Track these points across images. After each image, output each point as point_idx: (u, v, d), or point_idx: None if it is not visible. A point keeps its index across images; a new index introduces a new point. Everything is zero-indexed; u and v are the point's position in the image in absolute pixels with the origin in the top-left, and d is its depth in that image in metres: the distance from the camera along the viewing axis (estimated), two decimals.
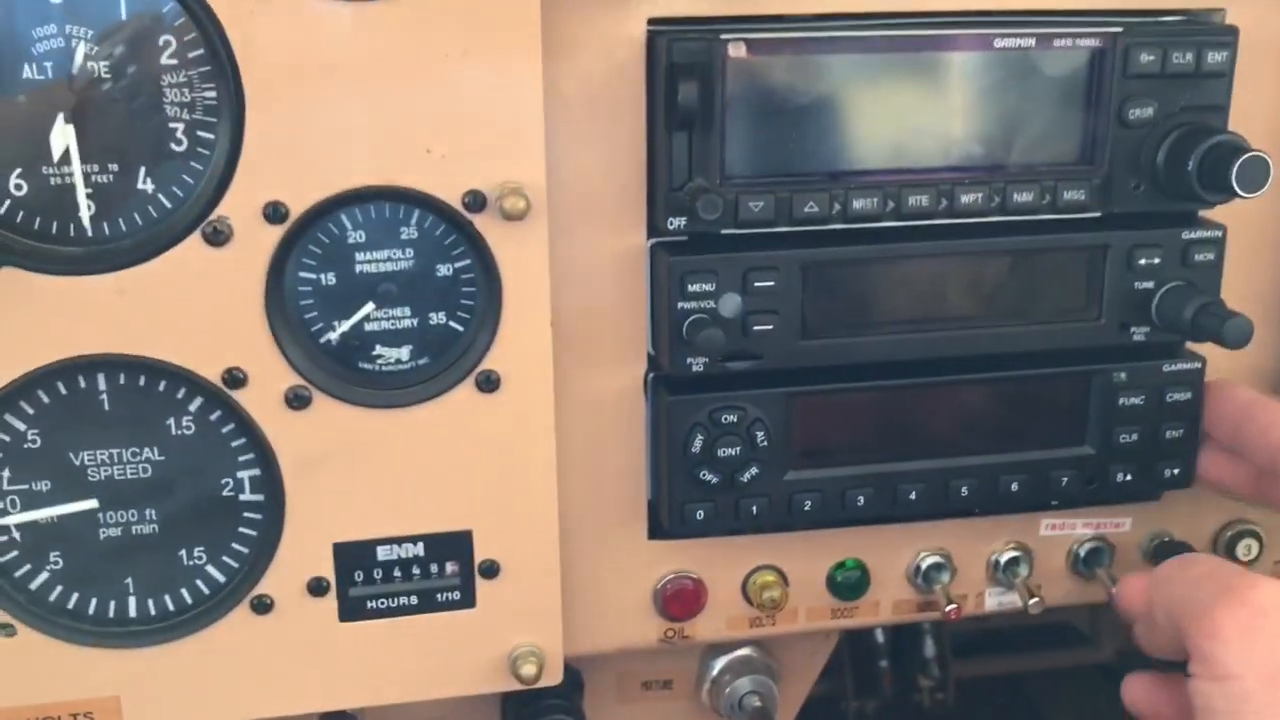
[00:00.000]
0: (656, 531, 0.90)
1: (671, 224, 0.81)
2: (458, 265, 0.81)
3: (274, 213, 0.76)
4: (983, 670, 1.65)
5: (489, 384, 0.81)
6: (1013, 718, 1.76)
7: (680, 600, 0.92)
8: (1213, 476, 0.91)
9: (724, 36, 0.78)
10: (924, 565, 0.95)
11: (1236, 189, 0.80)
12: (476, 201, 0.77)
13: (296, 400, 0.80)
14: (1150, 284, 0.87)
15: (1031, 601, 0.95)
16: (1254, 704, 0.66)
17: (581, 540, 0.90)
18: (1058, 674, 1.63)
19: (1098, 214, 0.86)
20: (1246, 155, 0.79)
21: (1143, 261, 0.86)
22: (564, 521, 0.88)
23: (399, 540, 0.84)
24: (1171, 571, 0.76)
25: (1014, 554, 0.96)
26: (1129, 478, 0.91)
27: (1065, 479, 0.90)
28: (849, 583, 0.95)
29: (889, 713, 1.62)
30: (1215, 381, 0.90)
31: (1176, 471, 0.92)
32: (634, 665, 1.03)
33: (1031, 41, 0.82)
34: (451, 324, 0.82)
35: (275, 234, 0.77)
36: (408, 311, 0.82)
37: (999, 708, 1.73)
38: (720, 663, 1.02)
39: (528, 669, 0.86)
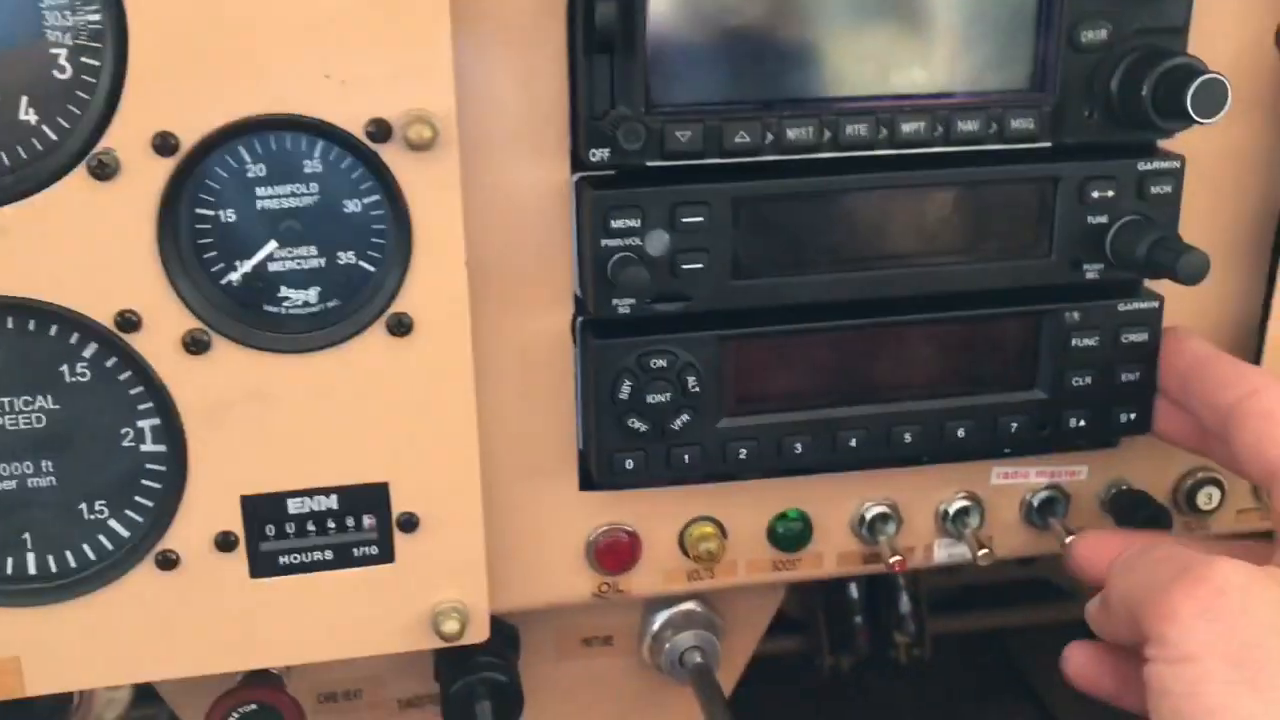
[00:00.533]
0: (588, 483, 0.86)
1: (594, 155, 0.76)
2: (366, 201, 0.76)
3: (163, 144, 0.71)
4: (959, 626, 1.63)
5: (400, 327, 0.77)
6: (990, 673, 1.74)
7: (613, 553, 0.88)
8: (1160, 428, 0.87)
9: None
10: (869, 516, 0.91)
11: (1192, 114, 0.75)
12: (381, 131, 0.72)
13: (195, 345, 0.75)
14: (1104, 218, 0.82)
15: (980, 553, 0.91)
16: (1212, 684, 0.62)
17: (509, 492, 0.86)
18: (1035, 629, 1.61)
19: (1048, 144, 0.81)
20: (1202, 78, 0.75)
21: (1095, 195, 0.81)
22: (490, 472, 0.84)
23: (311, 493, 0.80)
24: (1130, 558, 0.72)
25: (964, 504, 0.93)
26: (1083, 423, 0.87)
27: (1015, 425, 0.86)
28: (790, 534, 0.91)
29: (865, 669, 1.60)
30: (1171, 329, 0.86)
31: (1133, 416, 0.87)
32: (573, 621, 1.00)
33: None
34: (362, 264, 0.77)
35: (166, 167, 0.72)
36: (314, 251, 0.77)
37: (976, 663, 1.71)
38: (661, 617, 0.98)
39: (450, 626, 0.82)
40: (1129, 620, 0.69)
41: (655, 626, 0.98)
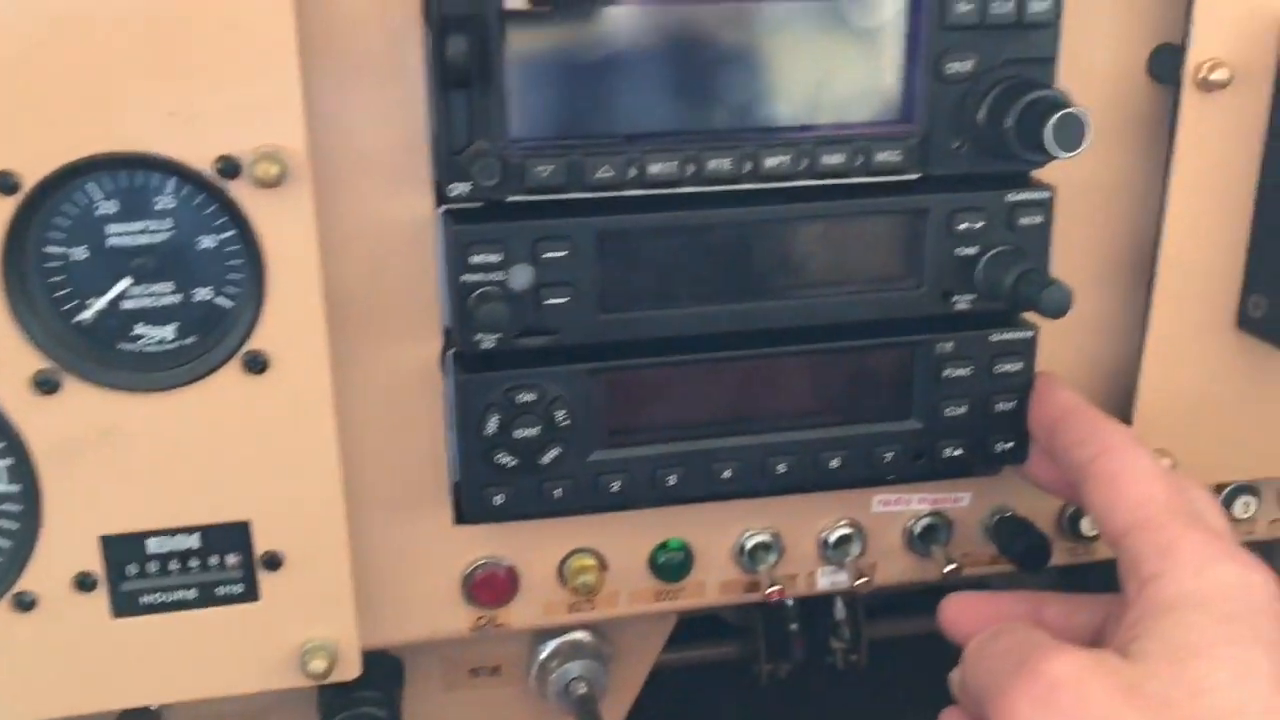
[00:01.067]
0: (463, 516, 0.85)
1: (453, 190, 0.75)
2: (222, 237, 0.75)
3: (3, 183, 0.69)
4: (896, 631, 1.63)
5: (256, 365, 0.75)
6: (927, 678, 1.74)
7: (490, 587, 0.88)
8: (1031, 472, 0.87)
9: None
10: (749, 545, 0.91)
11: (1052, 148, 0.75)
12: (229, 168, 0.71)
13: (45, 385, 0.73)
14: (974, 249, 0.82)
15: (859, 581, 0.91)
16: None
17: (381, 526, 0.85)
18: None
19: (916, 176, 0.81)
20: (1061, 112, 0.74)
21: (964, 226, 0.81)
22: (362, 508, 0.83)
23: (171, 532, 0.79)
24: (979, 646, 0.72)
25: (845, 531, 0.92)
26: (959, 453, 0.87)
27: (891, 455, 0.86)
28: (672, 564, 0.90)
29: (802, 675, 1.59)
30: (1042, 375, 0.85)
31: (1009, 446, 0.87)
32: (460, 652, 0.99)
33: None
34: (220, 300, 0.76)
35: (8, 206, 0.70)
36: (170, 287, 0.76)
37: (913, 668, 1.71)
38: (548, 647, 0.97)
39: (316, 664, 0.81)
40: (980, 707, 0.69)
41: (542, 656, 0.97)
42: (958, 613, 0.79)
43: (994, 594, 0.80)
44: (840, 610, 1.55)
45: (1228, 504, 0.98)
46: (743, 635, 1.60)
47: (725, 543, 0.91)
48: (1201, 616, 0.63)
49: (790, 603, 1.54)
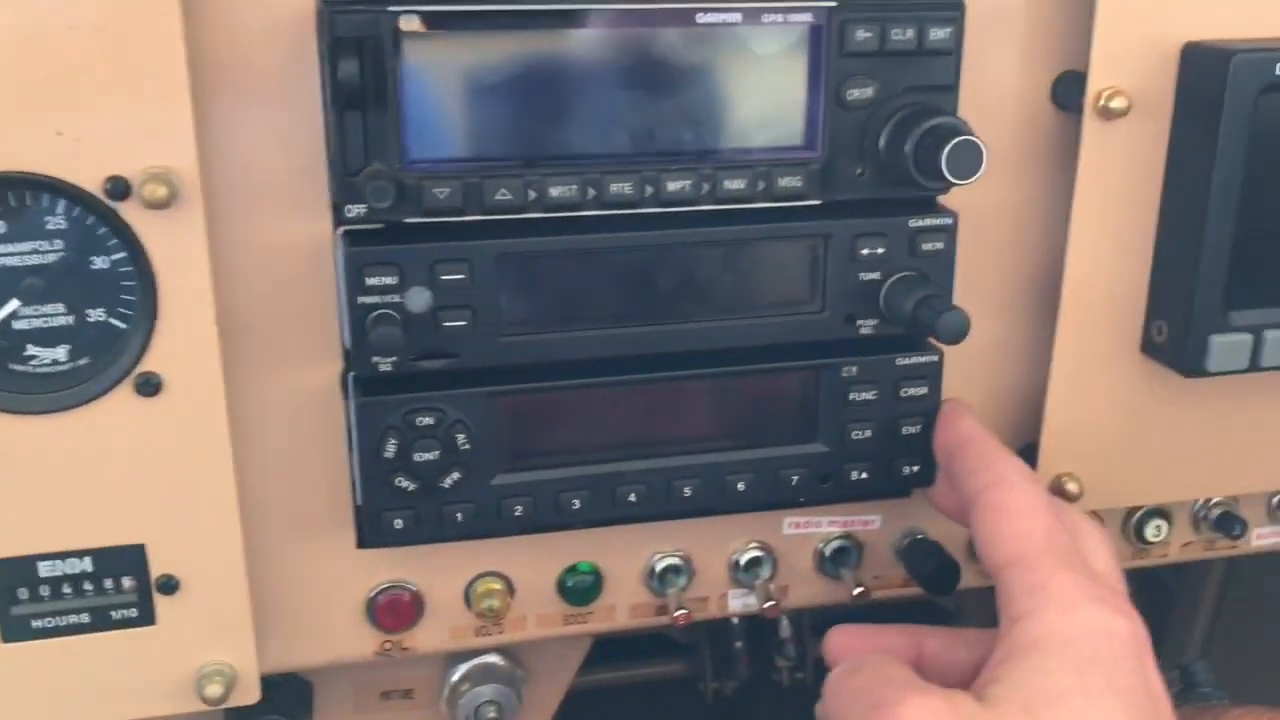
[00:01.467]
0: (364, 540, 0.85)
1: (350, 212, 0.75)
2: (114, 258, 0.74)
3: None
4: None
5: (148, 387, 0.75)
6: None
7: (393, 612, 0.87)
8: (935, 497, 0.87)
9: (393, 9, 0.72)
10: (659, 567, 0.91)
11: (947, 175, 0.75)
12: (119, 188, 0.71)
13: None
14: (876, 275, 0.82)
15: (766, 605, 0.91)
16: None
17: (284, 550, 0.84)
18: None
19: (818, 202, 0.81)
20: (956, 139, 0.75)
21: (865, 251, 0.82)
22: (263, 530, 0.83)
23: (64, 555, 0.78)
24: (837, 681, 0.71)
25: (756, 554, 0.92)
26: (864, 476, 0.87)
27: (797, 477, 0.86)
28: (580, 588, 0.90)
29: (748, 693, 1.59)
30: (949, 403, 0.86)
31: (916, 469, 0.88)
32: (371, 675, 0.98)
33: (738, 17, 0.76)
34: (113, 321, 0.75)
35: None
36: (62, 308, 0.75)
37: None
38: (459, 670, 0.97)
39: (213, 689, 0.80)
40: None
41: (453, 680, 0.97)
42: (841, 645, 0.78)
43: (878, 627, 0.79)
44: (786, 628, 1.55)
45: (1139, 528, 0.99)
46: (688, 653, 1.60)
47: (635, 565, 0.91)
48: (1060, 663, 0.63)
49: (736, 619, 1.55)
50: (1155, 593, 1.58)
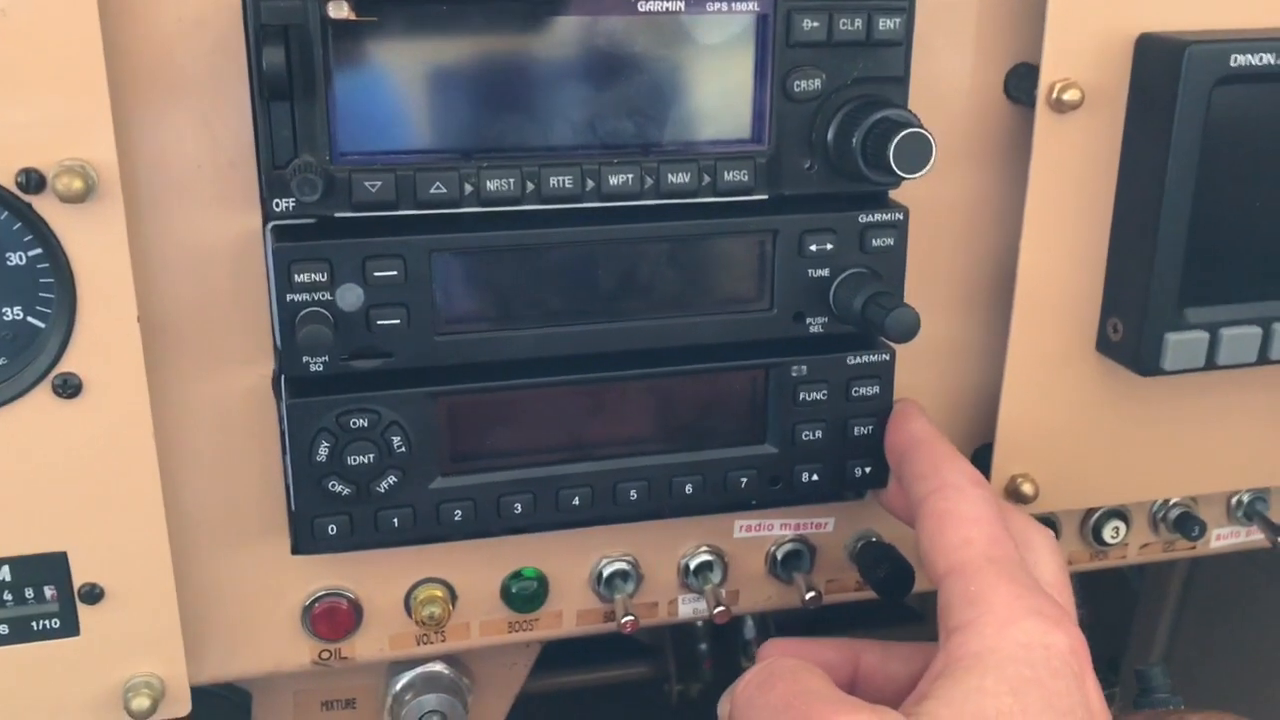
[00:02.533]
0: (298, 546, 0.82)
1: (278, 206, 0.72)
2: (31, 254, 0.71)
3: None
4: None
5: (67, 388, 0.72)
6: None
7: (330, 620, 0.84)
8: (886, 499, 0.85)
9: None
10: (606, 573, 0.88)
11: (895, 168, 0.73)
12: (32, 182, 0.68)
13: None
14: (825, 271, 0.80)
15: (717, 610, 0.88)
16: None
17: (216, 557, 0.81)
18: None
19: (765, 197, 0.79)
20: (904, 132, 0.73)
21: (814, 248, 0.79)
22: (194, 537, 0.80)
23: None
24: (746, 697, 0.67)
25: (706, 558, 0.90)
26: (816, 477, 0.85)
27: (745, 480, 0.84)
28: (525, 594, 0.88)
29: (713, 695, 1.57)
30: (900, 403, 0.84)
31: (868, 470, 0.85)
32: (311, 684, 0.95)
33: (681, 5, 0.74)
34: (30, 320, 0.72)
35: None
36: None
37: None
38: (403, 679, 0.94)
39: (140, 702, 0.77)
40: None
41: (396, 689, 0.94)
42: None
43: (814, 640, 0.77)
44: (750, 629, 1.53)
45: (1096, 529, 0.97)
46: (653, 655, 1.58)
47: (581, 570, 0.89)
48: (996, 682, 0.61)
49: (700, 621, 1.53)
50: (1121, 594, 1.57)
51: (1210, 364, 0.84)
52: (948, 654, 0.64)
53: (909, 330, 0.76)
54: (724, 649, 1.56)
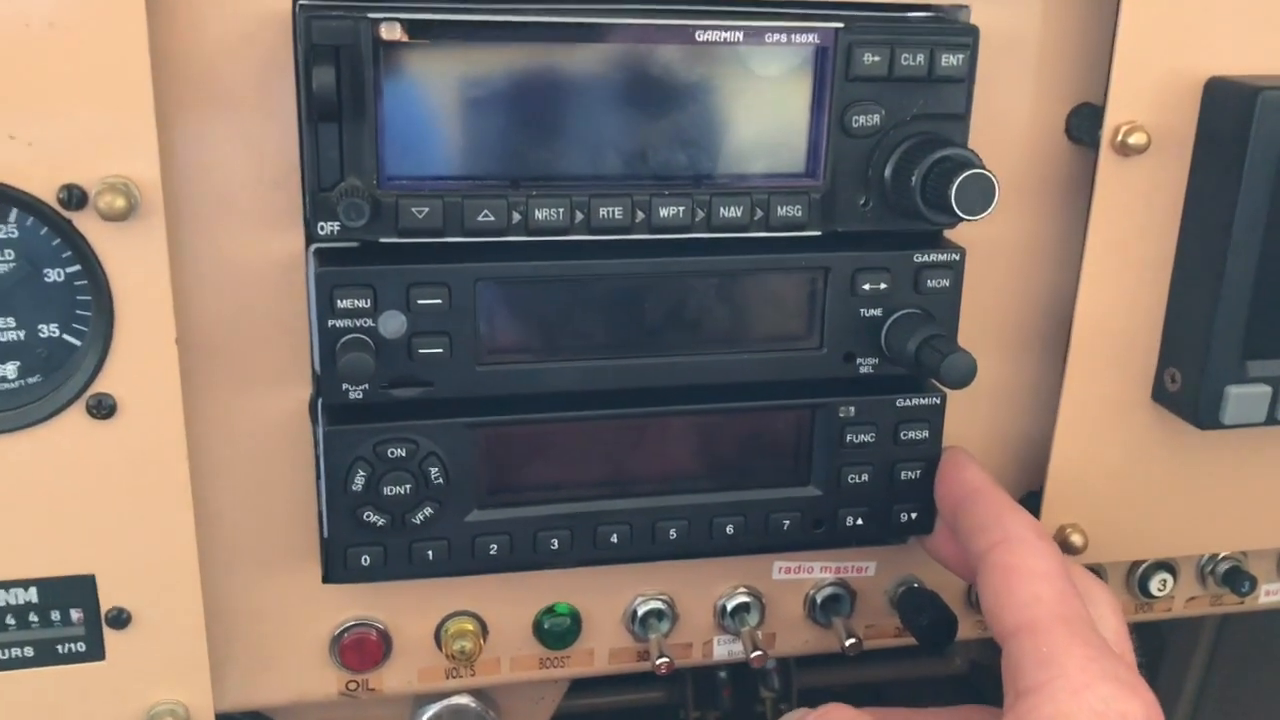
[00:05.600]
0: (329, 575, 0.80)
1: (323, 229, 0.70)
2: (69, 270, 0.70)
3: None
4: (828, 680, 1.58)
5: (101, 409, 0.70)
6: None
7: (359, 651, 0.82)
8: (932, 547, 0.83)
9: (373, 16, 0.67)
10: (640, 612, 0.86)
11: (956, 209, 0.71)
12: (74, 198, 0.66)
13: None
14: (878, 311, 0.78)
15: (754, 654, 0.86)
16: None
17: (245, 583, 0.80)
18: (906, 684, 1.57)
19: (818, 233, 0.77)
20: (968, 172, 0.71)
21: (867, 286, 0.77)
22: (224, 562, 0.78)
23: (7, 584, 0.73)
24: None
25: (744, 599, 0.88)
26: (860, 521, 0.83)
27: (788, 522, 0.82)
28: (558, 631, 0.86)
29: None
30: (951, 451, 0.81)
31: (914, 516, 0.83)
32: (335, 714, 0.93)
33: (739, 36, 0.72)
34: (67, 338, 0.71)
35: None
36: (12, 322, 0.70)
37: None
38: (428, 712, 0.91)
39: None
40: None
41: None
42: None
43: (876, 710, 0.74)
44: (771, 659, 1.51)
45: (1143, 582, 0.94)
46: (670, 682, 1.55)
47: (616, 608, 0.87)
48: None
49: None
50: (1149, 641, 1.54)
51: (1271, 419, 0.81)
52: (1017, 718, 0.61)
53: (965, 377, 0.74)
54: (744, 678, 1.54)
